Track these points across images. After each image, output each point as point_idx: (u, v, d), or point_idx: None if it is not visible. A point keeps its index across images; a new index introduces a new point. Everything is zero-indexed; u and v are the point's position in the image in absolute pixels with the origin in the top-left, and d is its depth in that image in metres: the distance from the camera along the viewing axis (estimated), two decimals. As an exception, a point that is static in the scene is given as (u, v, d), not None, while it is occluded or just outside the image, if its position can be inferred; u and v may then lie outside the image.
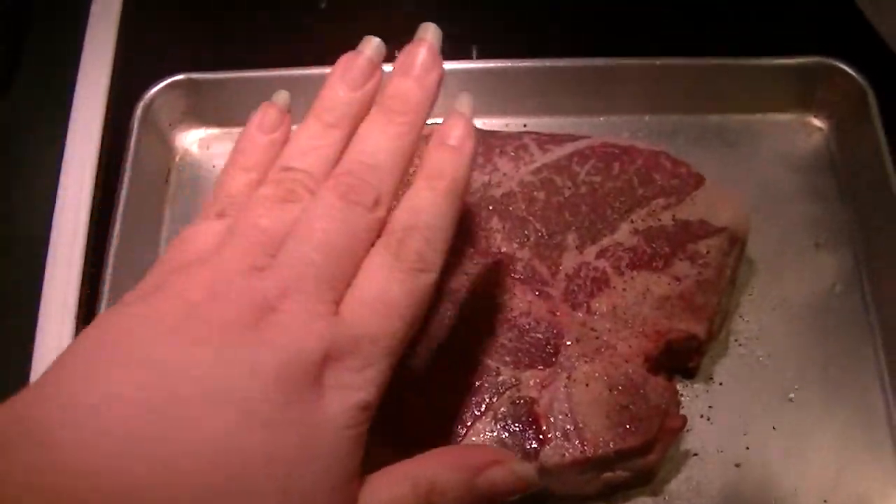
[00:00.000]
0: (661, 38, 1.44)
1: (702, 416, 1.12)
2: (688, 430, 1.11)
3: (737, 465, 1.09)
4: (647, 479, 1.08)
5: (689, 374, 1.15)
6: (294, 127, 1.31)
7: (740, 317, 1.19)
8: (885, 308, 1.18)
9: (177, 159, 1.34)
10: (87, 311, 1.19)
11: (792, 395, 1.13)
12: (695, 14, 1.49)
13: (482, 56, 1.38)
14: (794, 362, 1.16)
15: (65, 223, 1.24)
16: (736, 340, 1.17)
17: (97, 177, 1.28)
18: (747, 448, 1.10)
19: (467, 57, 1.38)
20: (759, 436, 1.11)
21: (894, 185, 1.19)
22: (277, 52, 1.41)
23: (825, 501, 1.07)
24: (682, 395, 1.14)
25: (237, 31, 1.50)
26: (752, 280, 1.22)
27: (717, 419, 1.12)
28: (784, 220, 1.26)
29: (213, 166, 1.32)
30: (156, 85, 1.30)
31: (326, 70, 1.31)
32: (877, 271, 1.21)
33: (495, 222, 1.16)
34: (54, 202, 1.26)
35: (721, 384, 1.15)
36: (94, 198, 1.27)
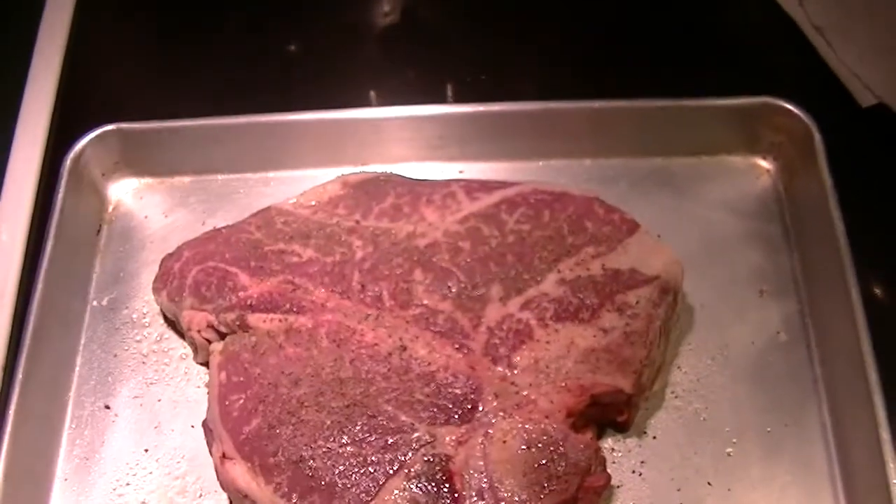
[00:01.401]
0: (605, 80, 1.42)
1: (634, 472, 1.08)
2: (618, 486, 1.07)
3: (668, 524, 1.05)
4: (575, 539, 1.04)
5: (622, 428, 1.10)
6: (230, 176, 1.33)
7: (678, 367, 1.14)
8: (831, 359, 1.13)
9: (110, 210, 1.32)
10: (14, 352, 1.18)
11: (730, 450, 1.09)
12: (640, 55, 1.47)
13: (420, 101, 1.34)
14: (733, 416, 1.11)
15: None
16: (672, 392, 1.13)
17: (29, 230, 1.28)
18: (680, 505, 1.06)
19: (408, 102, 1.35)
20: (694, 493, 1.06)
21: (839, 229, 1.14)
22: (209, 102, 1.41)
23: (761, 563, 1.02)
24: (613, 449, 1.09)
25: (173, 81, 1.51)
26: (691, 329, 1.17)
27: (650, 475, 1.08)
28: (728, 266, 1.22)
29: (146, 217, 1.31)
30: (86, 135, 1.29)
31: (256, 118, 1.32)
32: (823, 320, 1.16)
33: (418, 274, 1.12)
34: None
35: (655, 438, 1.10)
36: (27, 251, 1.26)
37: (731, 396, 1.12)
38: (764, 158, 1.30)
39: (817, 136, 1.21)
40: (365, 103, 1.37)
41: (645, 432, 1.11)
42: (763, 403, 1.12)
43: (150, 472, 1.12)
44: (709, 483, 1.07)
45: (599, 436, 1.10)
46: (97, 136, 1.29)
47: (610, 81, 1.40)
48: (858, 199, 1.19)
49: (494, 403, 1.03)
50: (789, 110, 1.24)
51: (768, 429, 1.10)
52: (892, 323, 1.15)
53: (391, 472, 0.99)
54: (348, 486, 0.99)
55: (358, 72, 1.49)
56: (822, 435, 1.10)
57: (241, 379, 1.08)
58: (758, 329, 1.17)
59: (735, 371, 1.14)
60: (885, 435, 1.02)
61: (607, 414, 1.09)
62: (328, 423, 1.03)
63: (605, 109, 1.28)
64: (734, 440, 1.09)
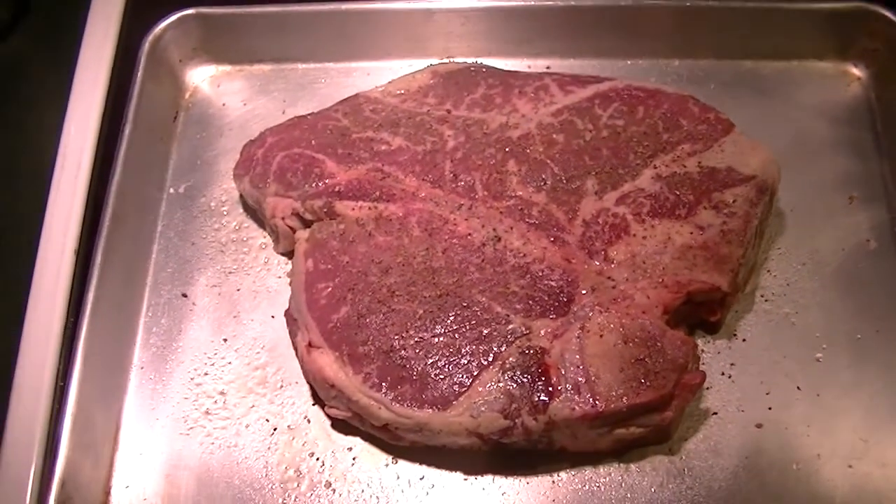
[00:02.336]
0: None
1: (723, 374, 1.07)
2: (707, 388, 1.06)
3: (758, 426, 1.04)
4: (663, 438, 1.03)
5: (712, 330, 1.10)
6: (309, 65, 1.31)
7: (768, 271, 1.14)
8: (920, 267, 1.13)
9: (186, 96, 1.31)
10: (88, 236, 1.15)
11: (819, 356, 1.08)
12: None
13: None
14: (822, 321, 1.10)
15: (70, 157, 1.20)
16: (762, 296, 1.12)
17: (104, 112, 1.24)
18: (769, 408, 1.05)
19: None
20: (783, 396, 1.06)
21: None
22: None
23: (850, 467, 1.02)
24: (702, 350, 1.09)
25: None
26: (781, 234, 1.16)
27: (739, 377, 1.07)
28: (817, 172, 1.21)
29: (224, 105, 1.29)
30: (165, 19, 1.27)
31: (340, 5, 1.29)
32: (913, 229, 1.16)
33: (511, 165, 1.11)
34: (59, 139, 1.22)
35: (745, 341, 1.10)
36: (101, 134, 1.22)
37: (820, 301, 1.12)
38: (856, 66, 1.29)
39: (915, 42, 1.20)
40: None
41: (735, 334, 1.10)
42: (853, 310, 1.11)
43: (229, 363, 1.11)
44: (798, 388, 1.07)
45: (689, 335, 1.09)
46: (176, 20, 1.28)
47: None
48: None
49: (591, 297, 1.02)
50: (886, 17, 1.23)
51: (858, 335, 1.10)
52: None
53: (485, 363, 0.99)
54: (441, 377, 0.99)
55: None
56: (912, 342, 1.10)
57: (329, 266, 1.07)
58: (847, 235, 1.17)
59: (824, 277, 1.14)
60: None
61: (700, 313, 1.08)
62: (420, 312, 1.03)
63: (695, 8, 1.27)
64: (823, 346, 1.09)
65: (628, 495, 1.02)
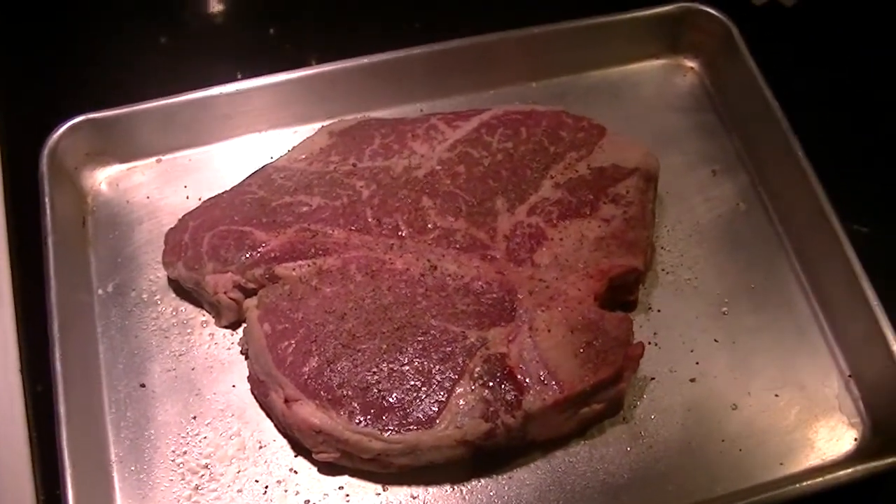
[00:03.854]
0: (535, 8, 1.50)
1: (650, 343, 1.20)
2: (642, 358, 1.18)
3: (692, 381, 1.18)
4: (617, 409, 1.15)
5: (631, 307, 1.23)
6: (196, 150, 1.37)
7: (662, 248, 1.28)
8: (788, 215, 1.29)
9: (89, 201, 1.33)
10: (30, 366, 1.20)
11: (724, 310, 1.23)
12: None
13: (364, 52, 1.40)
14: (719, 280, 1.25)
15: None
16: (664, 270, 1.26)
17: (8, 232, 1.28)
18: (697, 363, 1.19)
19: (351, 55, 1.40)
20: (705, 351, 1.20)
21: (773, 104, 1.30)
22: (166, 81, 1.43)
23: (776, 395, 1.17)
24: (629, 327, 1.21)
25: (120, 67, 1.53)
26: (665, 214, 1.31)
27: (665, 343, 1.21)
28: (680, 156, 1.36)
29: (128, 202, 1.33)
30: (56, 131, 1.29)
31: (221, 89, 1.35)
32: (774, 185, 1.32)
33: (426, 201, 1.21)
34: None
35: (659, 311, 1.23)
36: (11, 253, 1.26)
37: (713, 264, 1.27)
38: (686, 58, 1.45)
39: (735, 31, 1.37)
40: (306, 62, 1.44)
41: (650, 308, 1.23)
42: (742, 264, 1.27)
43: (205, 437, 1.15)
44: (715, 340, 1.21)
45: (617, 315, 1.22)
46: (67, 129, 1.30)
47: (539, 8, 1.49)
48: (774, 82, 1.34)
49: (530, 300, 1.13)
50: (707, 12, 1.40)
51: (752, 285, 1.25)
52: (836, 172, 1.28)
53: (455, 377, 1.08)
54: (420, 398, 1.07)
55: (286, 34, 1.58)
56: (796, 280, 1.26)
57: (287, 326, 1.13)
58: (720, 204, 1.32)
59: (710, 242, 1.29)
60: (855, 262, 1.19)
61: (619, 296, 1.21)
62: (384, 346, 1.10)
63: (541, 34, 1.40)
64: (726, 300, 1.24)
65: (600, 466, 1.13)
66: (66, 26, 1.58)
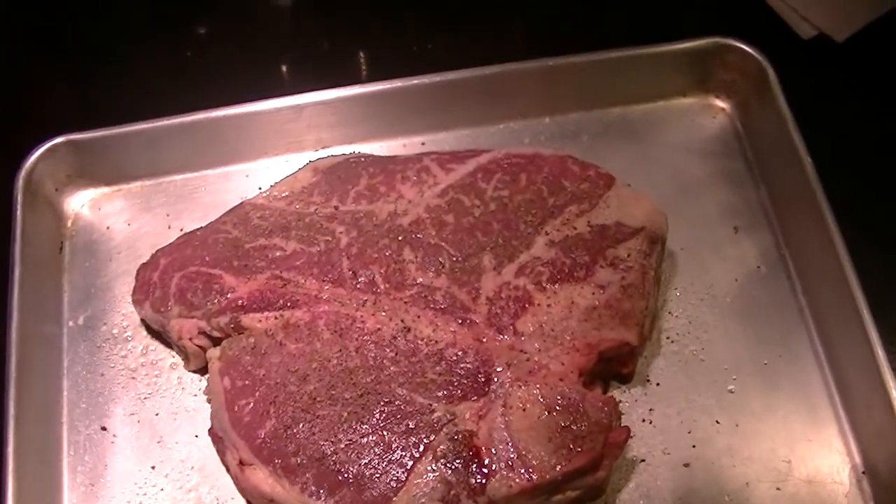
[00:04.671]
0: (551, 37, 1.43)
1: (644, 421, 1.11)
2: (631, 437, 1.08)
3: (685, 465, 1.08)
4: (598, 494, 1.06)
5: (625, 379, 1.13)
6: (183, 176, 1.30)
7: (669, 313, 1.17)
8: (812, 285, 1.17)
9: (69, 225, 1.28)
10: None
11: (731, 387, 1.12)
12: (585, 7, 1.49)
13: (371, 79, 1.34)
14: (729, 353, 1.15)
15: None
16: (668, 338, 1.16)
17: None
18: (693, 446, 1.09)
19: (356, 81, 1.33)
20: (704, 433, 1.10)
21: (806, 159, 1.17)
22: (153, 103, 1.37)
23: (778, 489, 1.06)
24: (620, 401, 1.11)
25: (108, 87, 1.47)
26: (675, 274, 1.20)
27: (660, 421, 1.11)
28: (699, 207, 1.25)
29: (108, 228, 1.28)
30: (34, 151, 1.24)
31: (209, 113, 1.29)
32: (799, 249, 1.20)
33: (407, 253, 1.12)
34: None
35: (658, 385, 1.13)
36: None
37: (723, 334, 1.16)
38: (717, 97, 1.33)
39: (771, 72, 1.24)
40: (313, 87, 1.35)
41: (648, 380, 1.13)
42: (755, 337, 1.16)
43: (162, 489, 1.11)
44: (717, 421, 1.10)
45: (605, 390, 1.12)
46: (46, 150, 1.25)
47: (558, 38, 1.40)
48: (815, 130, 1.21)
49: (507, 373, 1.04)
50: (741, 48, 1.27)
51: (764, 361, 1.14)
52: (867, 244, 1.17)
53: (417, 455, 1.00)
54: (377, 475, 1.00)
55: (292, 54, 1.50)
56: (815, 360, 1.14)
57: (247, 382, 1.07)
58: (738, 265, 1.21)
59: (723, 309, 1.18)
60: (880, 351, 1.06)
61: (612, 368, 1.11)
62: (345, 415, 1.03)
63: (560, 66, 1.29)
64: (734, 377, 1.13)
65: (574, 558, 1.04)
66: (68, 44, 1.53)
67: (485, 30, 1.48)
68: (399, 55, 1.47)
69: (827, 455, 1.08)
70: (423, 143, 1.32)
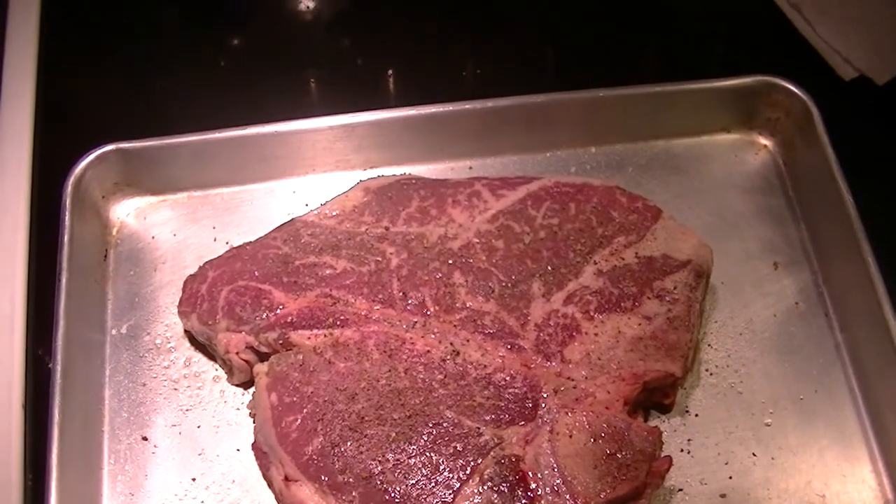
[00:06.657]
0: (599, 69, 1.45)
1: (682, 451, 1.12)
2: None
3: (722, 496, 1.09)
4: (637, 522, 1.08)
5: (665, 410, 1.14)
6: (230, 189, 1.31)
7: (708, 345, 1.19)
8: (849, 323, 1.19)
9: (114, 233, 1.29)
10: (34, 405, 1.15)
11: (768, 421, 1.14)
12: (631, 41, 1.51)
13: (423, 101, 1.33)
14: (766, 387, 1.16)
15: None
16: (707, 370, 1.17)
17: (28, 267, 1.24)
18: (730, 478, 1.10)
19: (408, 104, 1.34)
20: (741, 464, 1.11)
21: (847, 198, 1.19)
22: (203, 115, 1.39)
23: (812, 523, 1.08)
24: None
25: (163, 97, 1.47)
26: (715, 307, 1.22)
27: (698, 452, 1.12)
28: (740, 242, 1.27)
29: (153, 237, 1.28)
30: (83, 159, 1.25)
31: (260, 129, 1.29)
32: (838, 287, 1.22)
33: (457, 277, 1.14)
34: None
35: (697, 416, 1.14)
36: (28, 287, 1.22)
37: (761, 368, 1.17)
38: (761, 135, 1.35)
39: (815, 111, 1.26)
40: (363, 107, 1.36)
41: (687, 411, 1.15)
42: (792, 373, 1.17)
43: (202, 502, 1.11)
44: (753, 454, 1.12)
45: (645, 419, 1.14)
46: (95, 158, 1.25)
47: (604, 70, 1.44)
48: (855, 169, 1.23)
49: (555, 399, 1.05)
50: (787, 88, 1.29)
51: (801, 396, 1.15)
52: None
53: (464, 477, 1.01)
54: (423, 496, 1.01)
55: (349, 75, 1.51)
56: (850, 397, 1.16)
57: (295, 399, 1.07)
58: (777, 301, 1.22)
59: (762, 344, 1.19)
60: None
61: (654, 398, 1.13)
62: (393, 435, 1.04)
63: (608, 98, 1.31)
64: (770, 410, 1.14)
65: (612, 584, 1.05)
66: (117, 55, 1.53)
67: (526, 58, 1.51)
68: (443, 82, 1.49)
69: (860, 491, 1.10)
70: (470, 167, 1.33)
